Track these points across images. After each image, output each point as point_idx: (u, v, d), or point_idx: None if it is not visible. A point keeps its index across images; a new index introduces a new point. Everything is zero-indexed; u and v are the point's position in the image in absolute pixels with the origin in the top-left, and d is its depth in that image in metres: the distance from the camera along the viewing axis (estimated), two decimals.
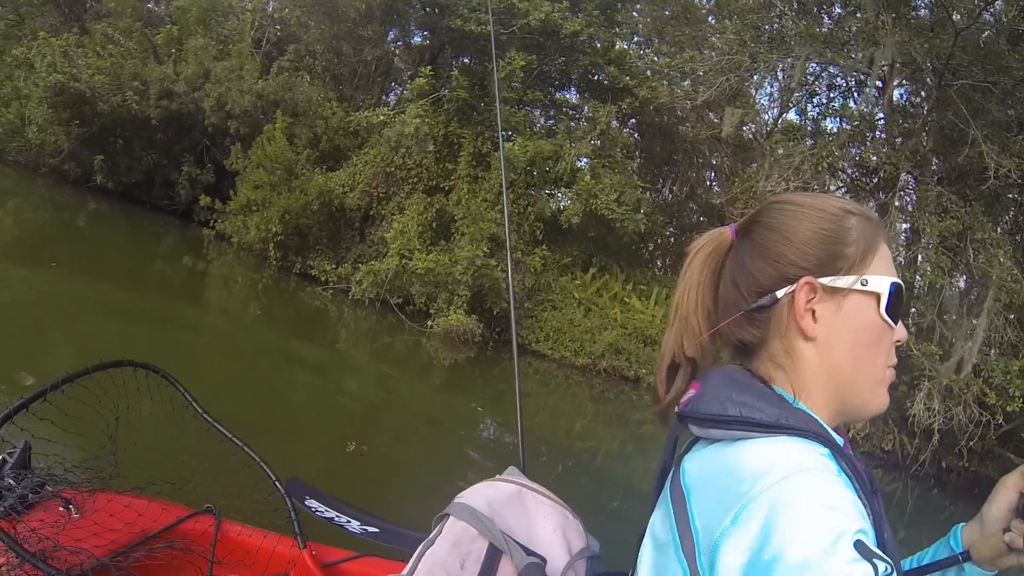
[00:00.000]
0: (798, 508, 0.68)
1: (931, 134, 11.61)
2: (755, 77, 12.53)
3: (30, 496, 1.78)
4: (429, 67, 13.11)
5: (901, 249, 11.24)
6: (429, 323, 11.36)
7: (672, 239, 16.82)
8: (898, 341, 0.90)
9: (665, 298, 13.13)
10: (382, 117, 12.83)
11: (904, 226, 11.64)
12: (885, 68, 11.41)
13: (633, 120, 16.30)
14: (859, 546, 0.66)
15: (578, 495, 5.69)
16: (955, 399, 9.99)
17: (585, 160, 13.70)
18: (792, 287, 0.88)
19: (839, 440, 0.85)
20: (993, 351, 10.53)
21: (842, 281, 0.87)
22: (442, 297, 11.49)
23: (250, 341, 9.37)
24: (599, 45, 13.83)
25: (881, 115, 12.29)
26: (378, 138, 13.80)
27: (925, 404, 9.97)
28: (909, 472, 10.46)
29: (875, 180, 12.00)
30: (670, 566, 0.81)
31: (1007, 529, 0.93)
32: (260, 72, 15.55)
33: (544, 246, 12.97)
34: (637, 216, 11.88)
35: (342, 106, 15.21)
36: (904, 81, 12.38)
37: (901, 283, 0.88)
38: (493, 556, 1.10)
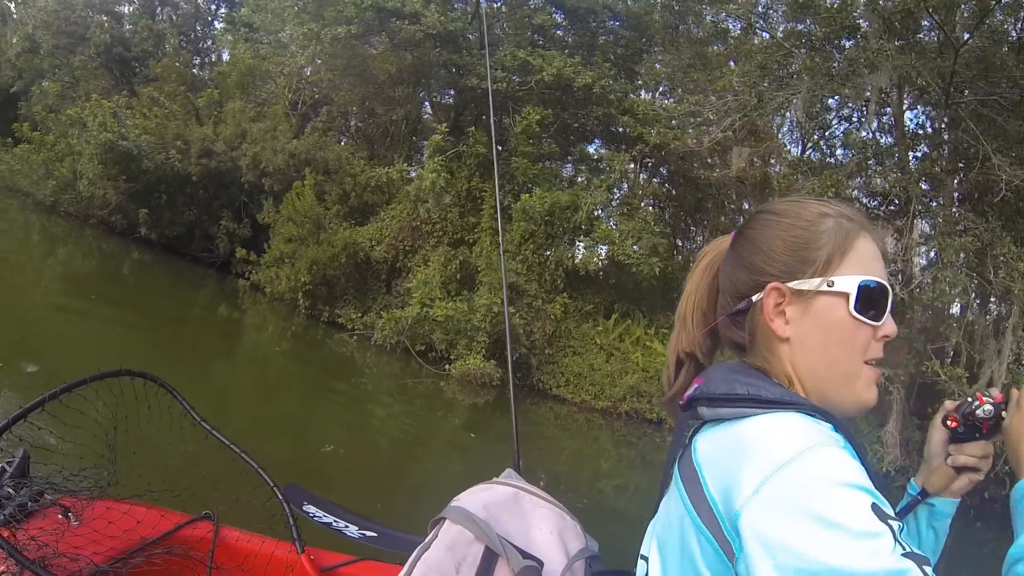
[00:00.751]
0: (815, 485, 0.72)
1: (946, 154, 11.66)
2: (770, 116, 12.73)
3: (29, 504, 1.79)
4: (444, 125, 13.74)
5: (920, 273, 11.21)
6: (447, 367, 11.71)
7: None
8: (885, 336, 0.94)
9: None
10: (400, 173, 13.40)
11: (921, 248, 11.64)
12: (892, 94, 11.55)
13: (663, 170, 16.77)
14: (876, 509, 0.72)
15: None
16: None
17: (602, 209, 14.14)
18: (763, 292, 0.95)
19: None
20: None
21: (807, 284, 0.92)
22: (462, 343, 11.89)
23: (275, 379, 9.88)
24: (612, 96, 14.29)
25: (891, 140, 12.39)
26: (404, 193, 14.44)
27: None
28: None
29: (889, 206, 11.93)
30: (691, 539, 0.85)
31: (949, 455, 1.08)
32: (295, 132, 16.39)
33: (565, 294, 13.30)
34: (652, 260, 12.18)
35: (369, 164, 15.87)
36: (915, 104, 12.48)
37: (877, 280, 0.92)
38: (489, 560, 1.10)
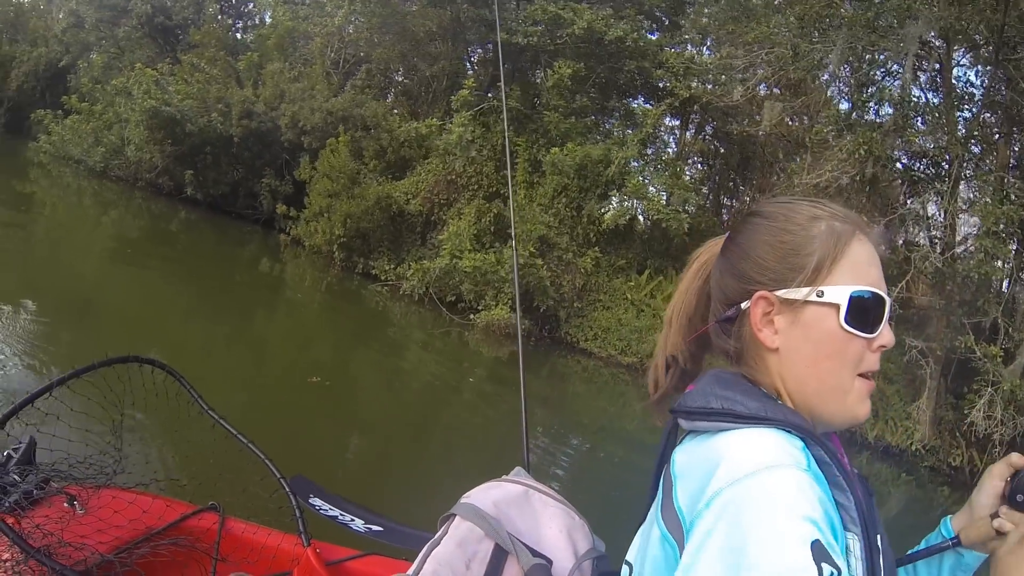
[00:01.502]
0: (756, 510, 0.70)
1: (996, 116, 11.16)
2: (807, 71, 12.24)
3: (35, 492, 1.78)
4: (472, 79, 13.81)
5: (962, 242, 10.68)
6: (471, 316, 12.00)
7: None
8: (881, 347, 0.89)
9: None
10: (429, 128, 13.55)
11: (964, 216, 11.11)
12: (941, 50, 11.01)
13: (709, 128, 16.58)
14: (815, 547, 0.66)
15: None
16: (1020, 406, 9.19)
17: (637, 163, 14.08)
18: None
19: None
20: None
21: (796, 293, 0.87)
22: (489, 294, 12.11)
23: (309, 328, 10.28)
24: (648, 50, 14.13)
25: (937, 98, 11.71)
26: (437, 148, 14.62)
27: (985, 412, 9.22)
28: (970, 488, 10.10)
29: (932, 168, 11.35)
30: (660, 547, 0.84)
31: (995, 515, 0.97)
32: (336, 91, 16.69)
33: (597, 248, 13.36)
34: (681, 215, 12.15)
35: (405, 119, 16.06)
36: (968, 62, 11.83)
37: (871, 291, 0.87)
38: (499, 557, 1.10)
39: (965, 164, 10.87)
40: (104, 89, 18.14)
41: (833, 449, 0.82)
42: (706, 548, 0.71)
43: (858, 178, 10.67)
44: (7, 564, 1.53)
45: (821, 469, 0.78)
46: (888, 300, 0.88)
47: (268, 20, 22.14)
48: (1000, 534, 0.96)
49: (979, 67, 11.90)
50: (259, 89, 17.24)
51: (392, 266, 13.79)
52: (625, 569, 0.95)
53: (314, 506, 2.06)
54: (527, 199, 13.77)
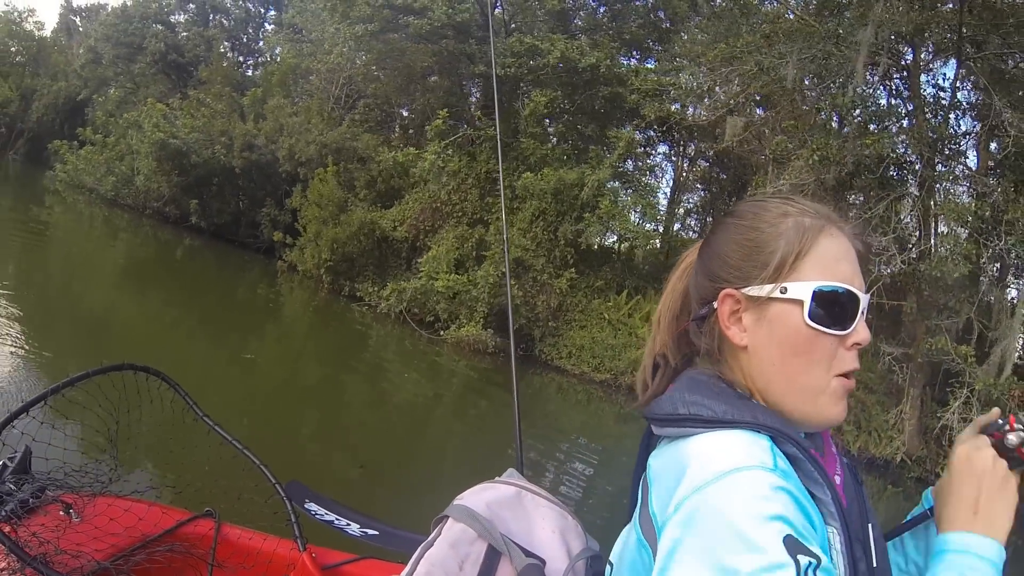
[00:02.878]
0: (724, 512, 0.70)
1: (959, 115, 11.31)
2: (773, 84, 12.36)
3: (31, 501, 1.78)
4: (445, 110, 14.43)
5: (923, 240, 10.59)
6: (441, 332, 12.60)
7: None
8: (856, 344, 0.87)
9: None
10: (406, 157, 14.28)
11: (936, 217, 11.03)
12: (907, 55, 11.23)
13: (710, 155, 17.08)
14: (788, 541, 0.67)
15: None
16: (996, 406, 9.21)
17: (615, 185, 14.57)
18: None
19: (800, 433, 0.86)
20: None
21: (759, 290, 0.87)
22: (463, 313, 12.64)
23: (295, 347, 10.99)
24: (622, 75, 14.67)
25: (904, 104, 11.93)
26: (422, 177, 15.29)
27: (960, 414, 9.05)
28: None
29: (896, 172, 11.33)
30: (636, 551, 0.86)
31: None
32: (335, 124, 17.51)
33: (573, 269, 13.79)
34: (651, 235, 12.57)
35: (392, 152, 16.80)
36: (932, 64, 11.94)
37: (838, 286, 0.85)
38: (492, 558, 1.12)
39: (937, 165, 10.92)
40: (117, 122, 19.24)
41: (806, 444, 0.82)
42: (676, 556, 0.72)
43: (825, 185, 10.81)
44: (4, 572, 1.53)
45: (794, 465, 0.79)
46: (861, 296, 0.86)
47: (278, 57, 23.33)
48: None
49: (944, 71, 12.14)
50: (260, 123, 18.13)
51: (376, 288, 14.42)
52: (607, 568, 0.97)
53: (309, 511, 2.07)
54: (508, 224, 14.29)
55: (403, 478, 5.51)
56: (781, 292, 0.86)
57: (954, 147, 11.17)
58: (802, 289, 0.85)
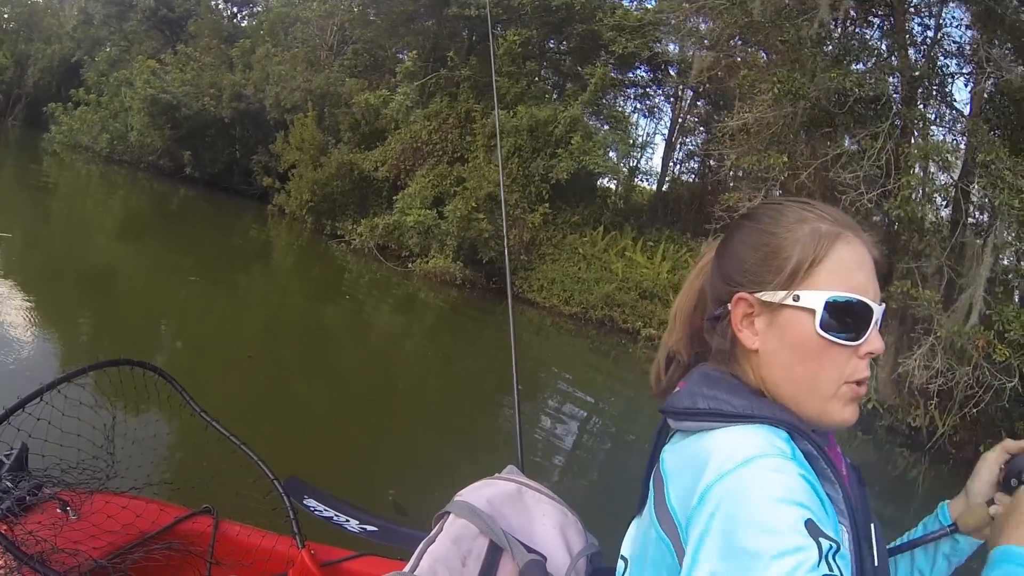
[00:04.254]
0: (747, 498, 0.71)
1: (949, 56, 11.18)
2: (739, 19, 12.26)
3: (27, 498, 1.77)
4: (414, 52, 14.69)
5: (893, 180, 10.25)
6: (409, 265, 13.16)
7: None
8: (869, 353, 0.87)
9: (673, 254, 13.90)
10: (379, 98, 14.58)
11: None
12: None
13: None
14: (809, 525, 0.69)
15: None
16: (959, 356, 8.71)
17: (592, 122, 14.78)
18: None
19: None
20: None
21: (772, 296, 0.87)
22: (434, 247, 13.15)
23: (281, 284, 11.72)
24: (596, 12, 14.76)
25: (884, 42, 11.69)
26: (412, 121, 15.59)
27: (923, 362, 8.84)
28: (927, 451, 9.21)
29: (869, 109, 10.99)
30: (655, 547, 0.86)
31: (991, 502, 0.97)
32: (324, 70, 17.78)
33: (547, 204, 14.09)
34: (619, 166, 12.83)
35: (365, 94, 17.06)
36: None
37: (851, 297, 0.85)
38: (494, 553, 1.13)
39: (920, 105, 10.81)
40: (108, 81, 19.65)
41: (820, 442, 0.83)
42: (705, 545, 0.72)
43: (794, 122, 10.84)
44: (1, 571, 1.52)
45: (808, 462, 0.80)
46: (875, 307, 0.86)
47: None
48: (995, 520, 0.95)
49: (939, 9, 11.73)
50: (248, 73, 18.45)
51: (355, 227, 14.90)
52: (621, 564, 0.97)
53: (308, 507, 2.06)
54: (485, 161, 14.60)
55: (402, 471, 5.37)
56: (794, 300, 0.86)
57: (935, 86, 11.02)
58: (815, 298, 0.85)
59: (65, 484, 1.91)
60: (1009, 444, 0.99)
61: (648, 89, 19.77)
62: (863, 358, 0.87)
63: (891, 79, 11.00)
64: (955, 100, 11.33)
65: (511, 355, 1.96)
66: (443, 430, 6.35)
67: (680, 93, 20.40)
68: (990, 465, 1.01)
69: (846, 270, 0.87)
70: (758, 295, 0.89)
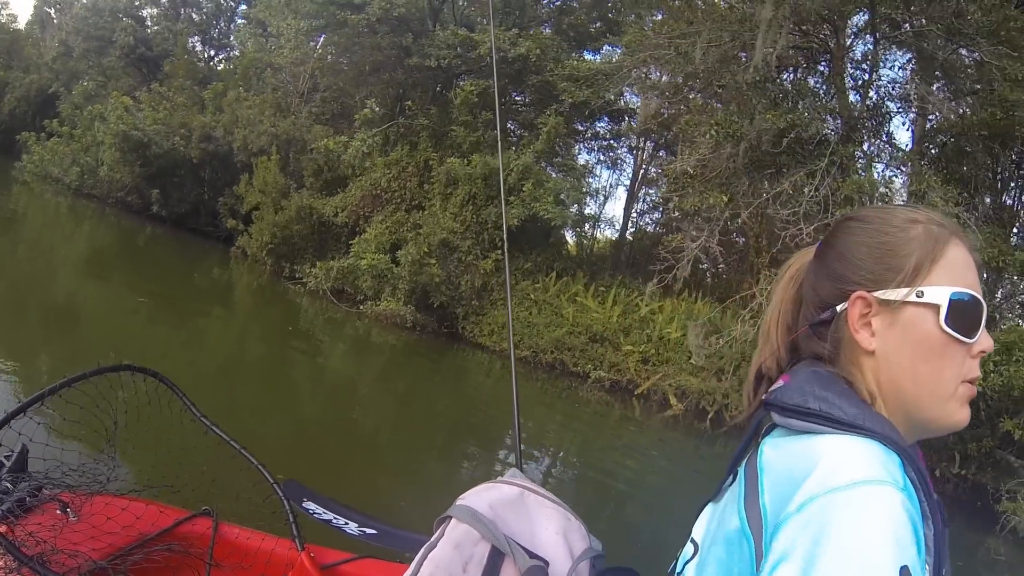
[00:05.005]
0: (853, 523, 0.68)
1: (888, 98, 11.85)
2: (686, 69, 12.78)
3: (28, 500, 1.78)
4: (373, 100, 15.10)
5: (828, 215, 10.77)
6: (360, 307, 13.54)
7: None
8: (981, 352, 0.86)
9: (624, 298, 14.22)
10: (337, 144, 15.02)
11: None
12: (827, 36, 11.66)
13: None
14: (903, 573, 0.65)
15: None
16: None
17: (548, 168, 15.24)
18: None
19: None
20: None
21: (895, 294, 0.86)
22: (387, 290, 13.48)
23: (237, 324, 11.94)
24: (548, 64, 15.28)
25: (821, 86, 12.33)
26: (369, 167, 16.00)
27: None
28: None
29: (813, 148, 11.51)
30: (735, 539, 0.83)
31: None
32: (292, 115, 18.24)
33: (499, 251, 14.41)
34: (567, 212, 13.21)
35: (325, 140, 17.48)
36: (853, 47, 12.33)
37: (970, 293, 0.85)
38: (495, 559, 1.12)
39: (863, 144, 11.39)
40: (82, 114, 20.03)
41: (925, 472, 0.81)
42: (789, 561, 0.69)
43: (736, 163, 11.33)
44: (1, 572, 1.53)
45: (915, 492, 0.77)
46: (985, 305, 0.87)
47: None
48: None
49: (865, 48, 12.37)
50: (219, 116, 18.88)
51: (312, 269, 15.19)
52: (690, 547, 0.96)
53: (308, 510, 2.06)
54: (441, 208, 14.97)
55: (401, 476, 5.58)
56: (918, 296, 0.85)
57: (872, 126, 11.59)
58: (939, 294, 0.84)
59: (65, 486, 1.92)
60: None
61: (612, 141, 20.39)
62: (976, 357, 0.87)
63: (830, 120, 11.54)
64: (895, 139, 12.01)
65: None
66: (396, 469, 6.39)
67: (641, 144, 21.04)
68: None
69: (961, 269, 0.87)
70: (876, 293, 0.87)
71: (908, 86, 11.40)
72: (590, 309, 13.89)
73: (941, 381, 0.84)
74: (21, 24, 27.85)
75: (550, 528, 1.20)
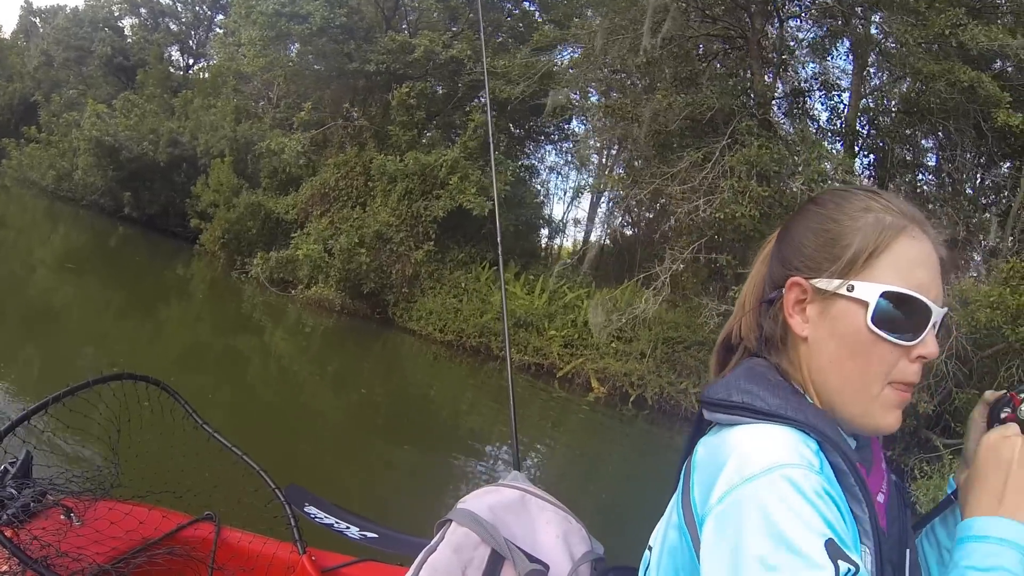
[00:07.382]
0: (772, 507, 0.69)
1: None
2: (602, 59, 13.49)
3: (32, 505, 1.80)
4: (309, 103, 16.16)
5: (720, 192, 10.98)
6: (291, 292, 14.75)
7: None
8: (921, 357, 0.83)
9: (554, 285, 15.10)
10: (280, 145, 16.16)
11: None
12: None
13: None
14: (829, 545, 0.66)
15: None
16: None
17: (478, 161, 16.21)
18: None
19: (851, 442, 0.85)
20: None
21: (827, 284, 0.84)
22: (320, 277, 14.69)
23: (191, 310, 13.15)
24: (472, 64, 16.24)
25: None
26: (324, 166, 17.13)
27: None
28: None
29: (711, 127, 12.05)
30: (673, 535, 0.85)
31: None
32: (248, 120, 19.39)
33: (433, 243, 15.36)
34: (487, 203, 14.17)
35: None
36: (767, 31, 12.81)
37: (907, 292, 0.81)
38: (495, 563, 1.11)
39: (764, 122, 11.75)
40: (59, 122, 21.33)
41: (854, 457, 0.79)
42: (717, 550, 0.71)
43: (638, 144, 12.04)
44: (5, 575, 1.55)
45: (836, 477, 0.77)
46: (934, 308, 0.82)
47: None
48: None
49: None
50: (185, 122, 20.07)
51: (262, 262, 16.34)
52: (646, 553, 0.96)
53: (309, 514, 2.06)
54: (383, 203, 15.97)
55: (402, 479, 5.68)
56: (847, 290, 0.82)
57: (787, 106, 12.32)
58: (869, 290, 0.81)
59: (69, 492, 1.95)
60: (988, 395, 0.95)
61: (568, 143, 21.11)
62: (915, 361, 0.83)
63: (742, 101, 12.00)
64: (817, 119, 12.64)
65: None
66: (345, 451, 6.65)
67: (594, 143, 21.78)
68: (976, 422, 0.95)
69: (907, 265, 0.83)
70: (812, 281, 0.86)
71: (825, 64, 12.14)
72: (517, 296, 14.72)
73: (865, 380, 0.83)
74: (7, 34, 29.35)
75: (551, 531, 1.21)
